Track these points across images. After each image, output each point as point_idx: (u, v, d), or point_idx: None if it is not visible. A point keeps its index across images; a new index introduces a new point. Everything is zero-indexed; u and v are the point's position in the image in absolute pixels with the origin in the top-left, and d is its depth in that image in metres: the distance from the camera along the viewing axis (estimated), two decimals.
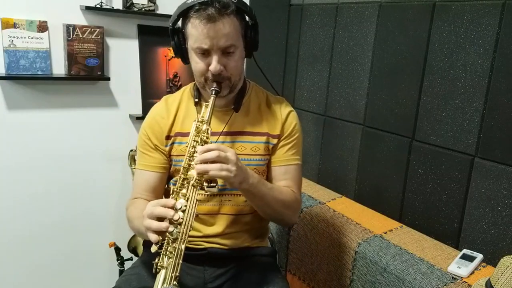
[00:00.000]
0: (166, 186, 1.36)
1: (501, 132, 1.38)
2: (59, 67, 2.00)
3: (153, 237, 0.99)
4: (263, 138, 1.30)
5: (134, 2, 2.08)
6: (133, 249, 2.09)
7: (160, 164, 1.30)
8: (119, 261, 2.13)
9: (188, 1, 1.13)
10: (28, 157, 2.02)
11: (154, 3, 2.14)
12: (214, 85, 1.17)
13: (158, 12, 2.20)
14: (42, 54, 1.92)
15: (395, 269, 1.39)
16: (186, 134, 1.26)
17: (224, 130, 1.28)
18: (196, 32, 1.13)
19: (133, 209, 1.25)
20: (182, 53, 1.24)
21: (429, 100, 1.59)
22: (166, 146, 1.29)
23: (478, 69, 1.43)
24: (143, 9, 2.11)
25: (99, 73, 2.05)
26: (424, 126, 1.61)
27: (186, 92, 1.35)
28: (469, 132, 1.47)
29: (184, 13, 1.15)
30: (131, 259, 2.14)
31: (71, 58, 1.96)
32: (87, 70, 2.01)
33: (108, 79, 2.11)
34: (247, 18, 1.22)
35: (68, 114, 2.08)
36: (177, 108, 1.31)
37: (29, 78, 1.91)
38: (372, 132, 1.82)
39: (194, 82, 1.30)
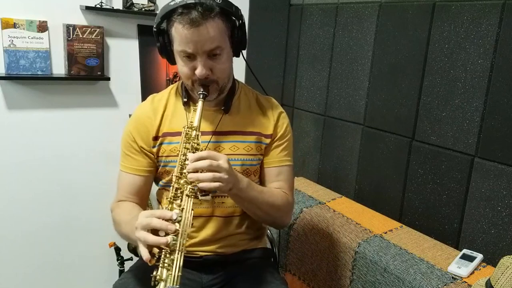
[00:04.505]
0: (159, 188, 1.34)
1: (501, 132, 1.38)
2: (59, 67, 2.00)
3: (146, 254, 0.94)
4: (255, 138, 1.28)
5: (134, 2, 2.08)
6: (133, 249, 2.09)
7: (145, 167, 1.27)
8: (119, 261, 2.13)
9: (171, 3, 1.09)
10: (28, 157, 2.02)
11: (154, 3, 2.14)
12: (201, 89, 1.14)
13: (158, 12, 2.19)
14: (42, 54, 1.92)
15: (395, 269, 1.39)
16: (175, 134, 1.24)
17: (215, 130, 1.25)
18: (180, 36, 1.10)
19: (120, 212, 1.22)
20: (168, 54, 1.20)
21: (429, 100, 1.59)
22: (153, 147, 1.25)
23: (478, 69, 1.43)
24: (143, 9, 2.11)
25: (99, 73, 2.05)
26: (424, 126, 1.61)
27: (173, 90, 1.30)
28: (469, 132, 1.47)
29: (168, 16, 1.12)
30: (131, 259, 2.14)
31: (71, 58, 1.96)
32: (87, 70, 2.01)
33: (108, 79, 2.11)
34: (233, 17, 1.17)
35: (68, 114, 2.08)
36: (165, 107, 1.27)
37: (29, 78, 1.91)
38: (372, 132, 1.82)
39: (182, 81, 1.27)
